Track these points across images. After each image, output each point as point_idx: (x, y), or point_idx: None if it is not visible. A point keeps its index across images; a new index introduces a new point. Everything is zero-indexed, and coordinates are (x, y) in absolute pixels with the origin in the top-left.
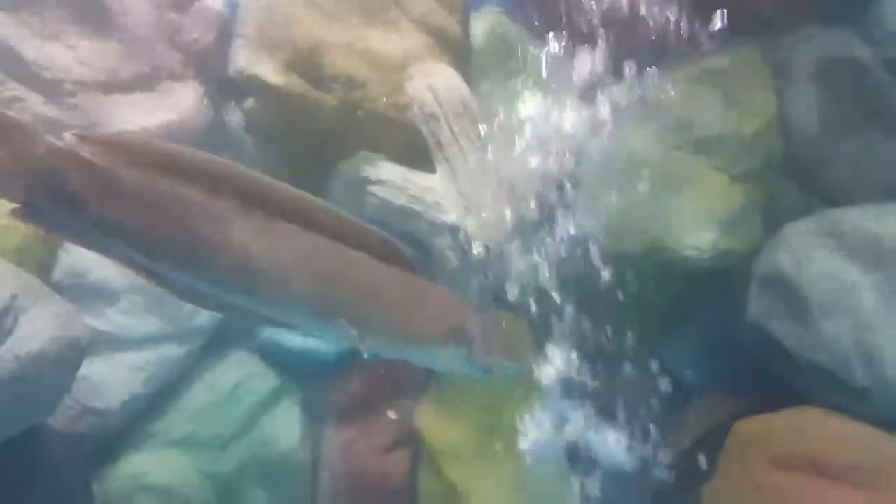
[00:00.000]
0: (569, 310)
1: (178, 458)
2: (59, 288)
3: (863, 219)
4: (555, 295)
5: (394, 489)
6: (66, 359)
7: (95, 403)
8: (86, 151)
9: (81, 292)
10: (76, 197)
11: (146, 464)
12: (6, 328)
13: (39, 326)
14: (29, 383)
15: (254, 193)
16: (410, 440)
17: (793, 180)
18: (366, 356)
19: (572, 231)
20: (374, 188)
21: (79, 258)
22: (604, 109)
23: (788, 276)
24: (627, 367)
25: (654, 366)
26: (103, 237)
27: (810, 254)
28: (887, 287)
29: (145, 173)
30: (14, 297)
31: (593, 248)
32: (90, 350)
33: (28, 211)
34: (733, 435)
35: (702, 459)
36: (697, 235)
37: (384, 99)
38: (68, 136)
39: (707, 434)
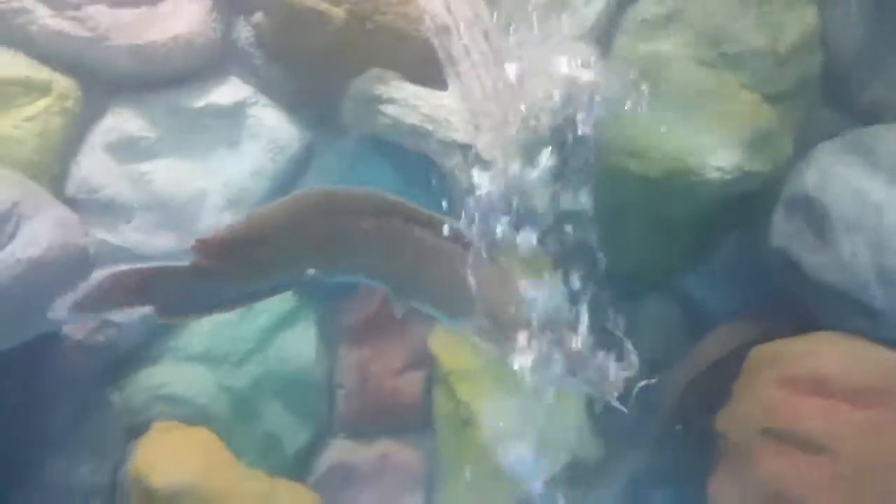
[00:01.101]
0: (585, 236)
1: (195, 372)
2: (72, 202)
3: (890, 133)
4: (570, 221)
5: (408, 407)
6: (72, 267)
7: (114, 316)
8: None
9: (95, 207)
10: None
11: (165, 376)
12: (7, 233)
13: (41, 232)
14: (33, 288)
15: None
16: (424, 362)
17: (830, 101)
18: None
19: (590, 152)
20: (385, 107)
21: (91, 173)
22: (629, 22)
23: (813, 196)
24: (646, 295)
25: (675, 294)
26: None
27: (837, 172)
28: None
29: None
30: (16, 203)
31: (612, 170)
32: (104, 263)
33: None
34: (749, 360)
35: (717, 385)
36: (722, 156)
37: (394, 10)
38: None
39: (724, 360)
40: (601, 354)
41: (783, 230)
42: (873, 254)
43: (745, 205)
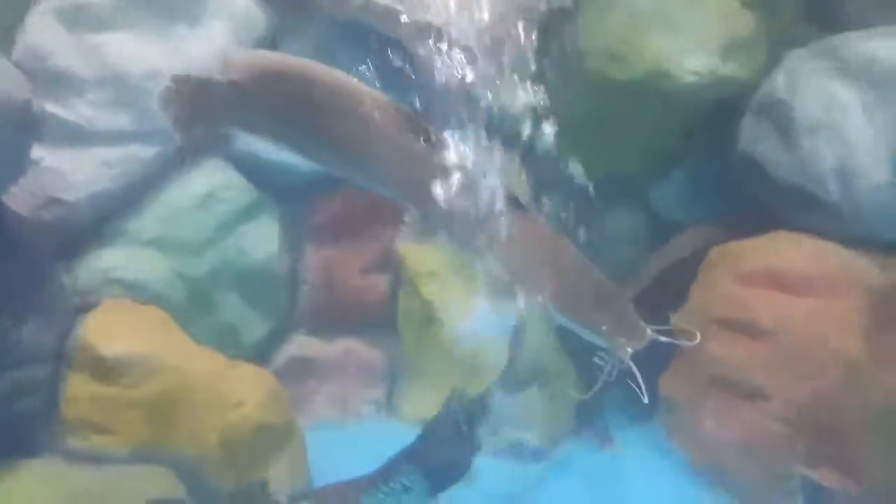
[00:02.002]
0: (558, 139)
1: (149, 257)
2: (18, 67)
3: (862, 40)
4: (545, 121)
5: (372, 307)
6: (14, 119)
7: (62, 194)
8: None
9: (44, 77)
10: None
11: (117, 259)
12: None
13: None
14: None
15: None
16: (390, 264)
17: (809, 16)
18: None
19: (568, 52)
20: None
21: (39, 39)
22: None
23: (781, 99)
24: (614, 204)
25: (642, 204)
26: None
27: (806, 76)
28: (877, 107)
29: None
30: None
31: (590, 75)
32: (56, 138)
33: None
34: (707, 259)
35: (675, 286)
36: (698, 60)
37: None
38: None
39: (684, 262)
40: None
41: (751, 134)
42: (835, 152)
43: (719, 113)
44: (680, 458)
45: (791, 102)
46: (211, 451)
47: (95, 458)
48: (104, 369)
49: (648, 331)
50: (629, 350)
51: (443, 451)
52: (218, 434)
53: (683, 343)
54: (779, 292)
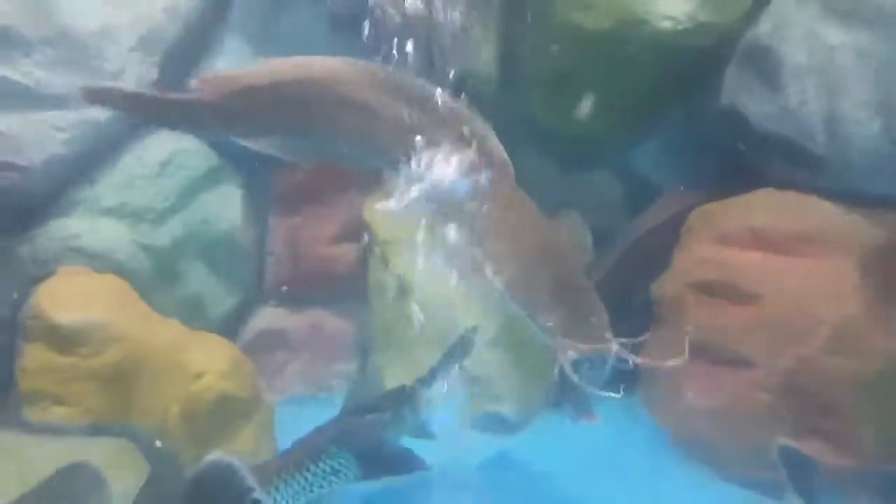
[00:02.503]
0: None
1: (110, 226)
2: None
3: None
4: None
5: (341, 277)
6: None
7: (13, 158)
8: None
9: None
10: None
11: (77, 228)
12: None
13: None
14: None
15: None
16: (358, 232)
17: None
18: None
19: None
20: None
21: None
22: None
23: (766, 43)
24: (591, 168)
25: (620, 168)
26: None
27: (792, 17)
28: (867, 48)
29: None
30: None
31: (560, 26)
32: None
33: None
34: (687, 222)
35: (655, 253)
36: (675, 4)
37: None
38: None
39: (664, 227)
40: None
41: (733, 86)
42: (822, 99)
43: (698, 65)
44: (660, 431)
45: (777, 48)
46: (172, 423)
47: (53, 431)
48: (60, 338)
49: (612, 341)
50: (573, 355)
51: (372, 434)
52: (179, 405)
53: (663, 364)
54: (762, 252)
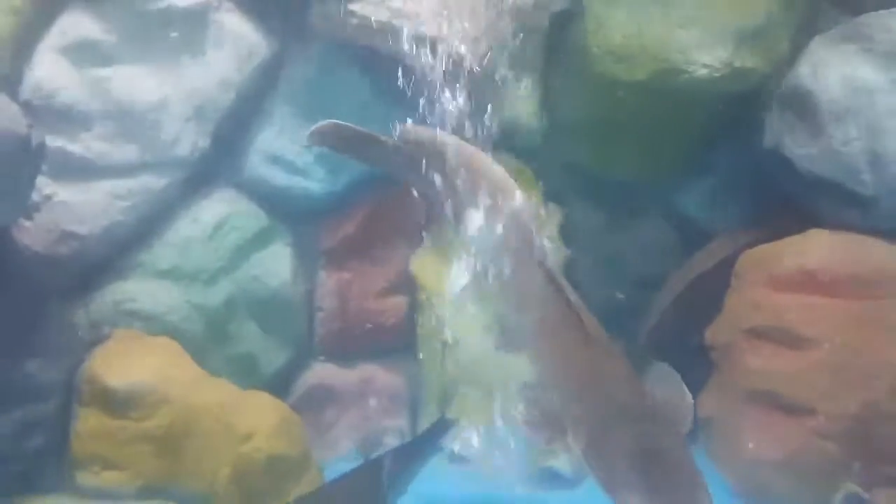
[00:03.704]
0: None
1: (164, 289)
2: (27, 108)
3: (889, 18)
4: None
5: (390, 331)
6: (13, 155)
7: (75, 228)
8: None
9: (52, 113)
10: None
11: (132, 292)
12: None
13: None
14: None
15: None
16: (405, 285)
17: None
18: None
19: (571, 54)
20: (354, 6)
21: (46, 76)
22: None
23: (805, 86)
24: (641, 214)
25: (670, 212)
26: None
27: (830, 61)
28: None
29: None
30: None
31: (598, 79)
32: (68, 172)
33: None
34: (738, 265)
35: (707, 297)
36: (710, 52)
37: None
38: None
39: (715, 271)
40: None
41: (776, 129)
42: (865, 140)
43: (740, 108)
44: (720, 482)
45: (816, 90)
46: (221, 486)
47: (105, 495)
48: (112, 402)
49: None
50: None
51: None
52: (229, 467)
53: None
54: (816, 296)
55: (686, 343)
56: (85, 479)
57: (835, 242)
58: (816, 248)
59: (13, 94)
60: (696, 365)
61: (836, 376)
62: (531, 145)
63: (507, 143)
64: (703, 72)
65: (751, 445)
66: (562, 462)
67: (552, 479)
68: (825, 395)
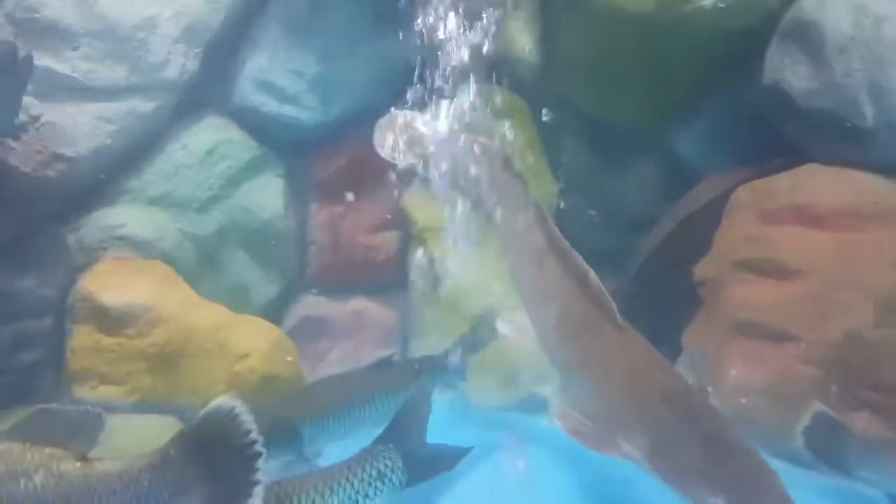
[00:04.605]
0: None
1: (155, 215)
2: (9, 19)
3: None
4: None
5: (382, 265)
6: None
7: (63, 150)
8: None
9: (36, 28)
10: None
11: (122, 217)
12: None
13: None
14: None
15: None
16: (398, 221)
17: None
18: None
19: None
20: None
21: None
22: None
23: (809, 18)
24: (634, 152)
25: (662, 152)
26: None
27: None
28: None
29: None
30: None
31: (601, 8)
32: (54, 92)
33: None
34: (730, 202)
35: (698, 235)
36: None
37: None
38: None
39: (707, 209)
40: None
41: (776, 64)
42: (868, 70)
43: (742, 45)
44: None
45: (819, 21)
46: None
47: (101, 408)
48: (107, 319)
49: None
50: None
51: (418, 436)
52: (223, 385)
53: None
54: (806, 228)
55: (674, 282)
56: (82, 392)
57: (828, 176)
58: (809, 182)
59: None
60: (683, 303)
61: (820, 305)
62: (527, 80)
63: (502, 75)
64: (708, 2)
65: (733, 372)
66: (550, 389)
67: (541, 405)
68: (809, 323)
